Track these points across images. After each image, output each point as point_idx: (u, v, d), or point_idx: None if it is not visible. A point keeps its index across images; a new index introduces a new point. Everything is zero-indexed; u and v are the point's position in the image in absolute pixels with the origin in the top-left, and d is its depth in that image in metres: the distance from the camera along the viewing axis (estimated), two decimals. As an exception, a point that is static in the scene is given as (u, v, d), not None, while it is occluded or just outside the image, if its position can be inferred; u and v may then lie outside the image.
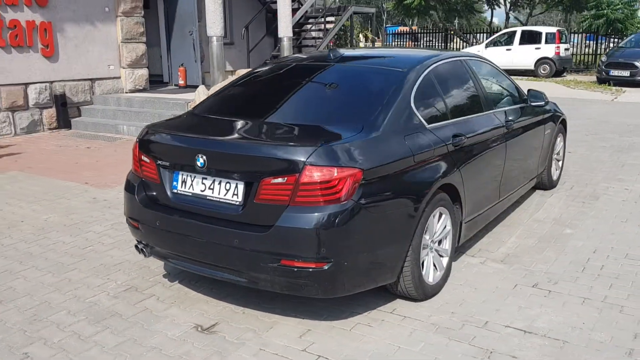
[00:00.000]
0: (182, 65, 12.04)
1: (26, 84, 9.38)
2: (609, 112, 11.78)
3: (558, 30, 20.35)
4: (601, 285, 3.70)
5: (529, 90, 5.25)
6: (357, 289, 3.17)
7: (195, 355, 2.95)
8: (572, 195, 5.74)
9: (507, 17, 31.39)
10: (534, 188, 5.78)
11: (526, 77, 18.89)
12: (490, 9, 31.60)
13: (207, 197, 3.22)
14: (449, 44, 27.47)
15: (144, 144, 3.53)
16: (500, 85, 4.96)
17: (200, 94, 8.62)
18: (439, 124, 3.69)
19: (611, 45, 24.18)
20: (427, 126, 3.57)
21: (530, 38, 20.28)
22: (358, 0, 36.17)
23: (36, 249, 4.42)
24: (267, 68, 4.49)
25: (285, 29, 11.82)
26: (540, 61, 19.73)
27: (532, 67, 19.83)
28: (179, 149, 3.37)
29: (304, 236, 2.91)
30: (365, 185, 2.99)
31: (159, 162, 3.40)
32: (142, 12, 10.86)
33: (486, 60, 4.95)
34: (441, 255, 3.66)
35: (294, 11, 13.57)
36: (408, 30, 34.18)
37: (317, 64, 4.28)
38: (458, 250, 4.12)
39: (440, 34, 27.88)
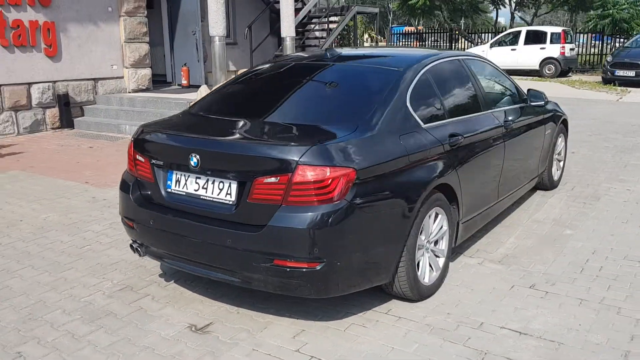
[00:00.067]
0: (185, 65, 12.06)
1: (29, 84, 9.42)
2: (614, 112, 11.71)
3: (563, 30, 20.26)
4: (599, 287, 3.67)
5: (528, 90, 5.20)
6: (351, 289, 3.15)
7: (187, 355, 2.94)
8: (573, 196, 5.70)
9: (512, 17, 31.27)
10: (535, 188, 5.74)
11: (531, 77, 18.81)
12: (495, 9, 31.51)
13: (201, 197, 3.22)
14: (454, 44, 27.43)
15: (139, 143, 3.52)
16: (499, 85, 4.93)
17: (202, 94, 8.62)
18: (436, 124, 3.67)
19: (617, 45, 24.05)
20: (423, 126, 3.54)
21: (535, 38, 20.18)
22: (364, 0, 36.12)
23: (34, 248, 4.43)
24: (263, 67, 4.47)
25: (288, 28, 11.80)
26: (545, 61, 19.64)
27: (537, 67, 19.73)
28: (173, 148, 3.36)
29: (296, 236, 2.89)
30: (359, 185, 2.97)
31: (154, 161, 3.40)
32: (145, 12, 10.89)
33: (485, 59, 4.93)
34: (437, 256, 3.64)
35: (297, 11, 13.55)
36: (414, 30, 34.15)
37: (314, 64, 4.27)
38: (455, 251, 4.10)
39: (446, 34, 27.83)
